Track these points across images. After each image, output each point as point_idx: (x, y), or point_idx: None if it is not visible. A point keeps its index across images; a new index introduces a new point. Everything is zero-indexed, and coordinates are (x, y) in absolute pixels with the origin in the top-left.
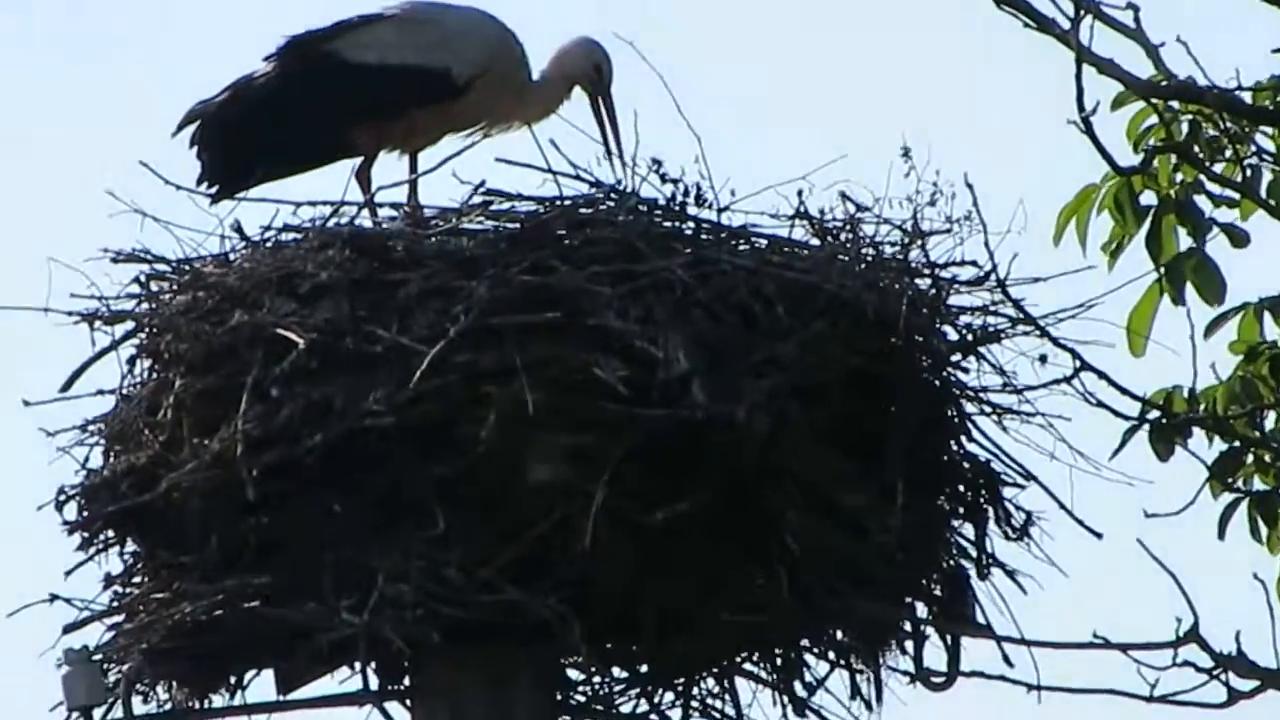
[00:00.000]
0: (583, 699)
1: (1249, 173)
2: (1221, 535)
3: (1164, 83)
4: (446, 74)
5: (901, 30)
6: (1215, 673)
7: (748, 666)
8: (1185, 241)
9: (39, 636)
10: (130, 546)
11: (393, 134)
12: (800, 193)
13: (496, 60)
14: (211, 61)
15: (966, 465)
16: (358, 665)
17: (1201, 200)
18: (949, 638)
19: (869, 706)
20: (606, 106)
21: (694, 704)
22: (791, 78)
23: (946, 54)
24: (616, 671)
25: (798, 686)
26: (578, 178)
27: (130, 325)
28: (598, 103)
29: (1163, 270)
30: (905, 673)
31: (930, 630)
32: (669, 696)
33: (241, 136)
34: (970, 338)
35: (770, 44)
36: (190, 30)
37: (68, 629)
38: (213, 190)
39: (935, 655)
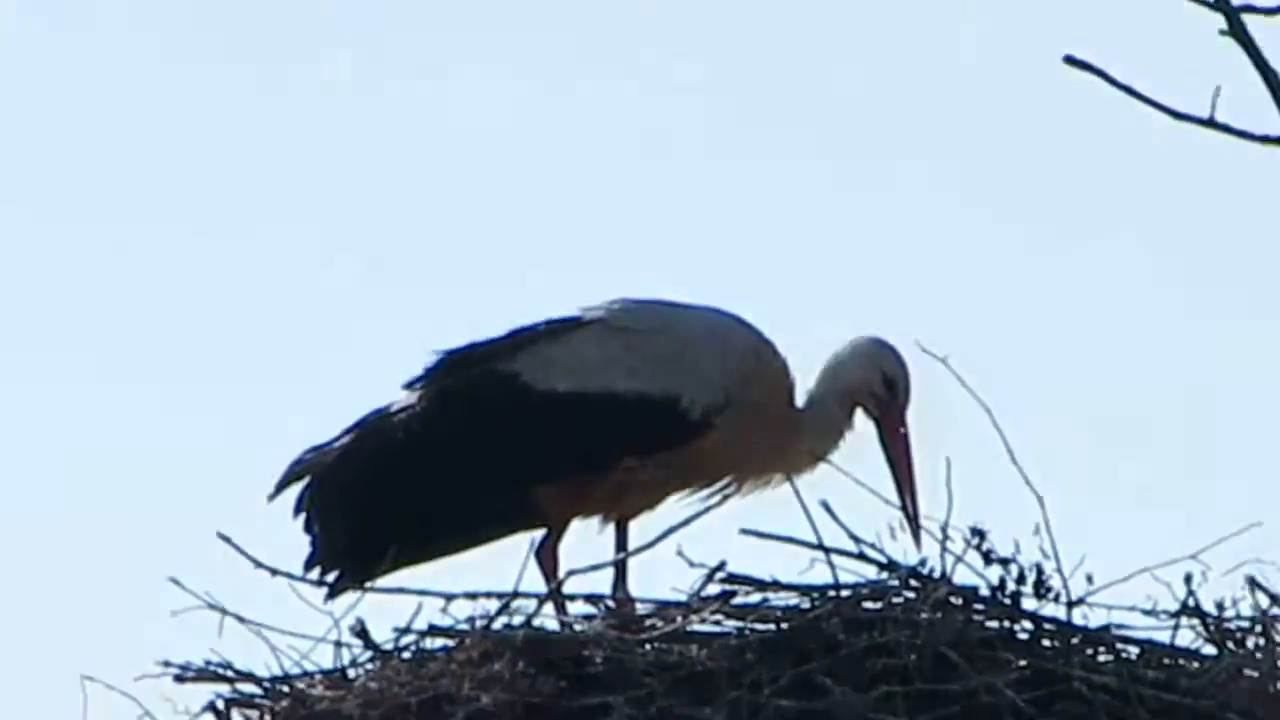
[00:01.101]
0: None
1: None
2: None
3: None
4: (674, 405)
5: None
6: None
7: None
8: None
9: None
10: None
11: (593, 495)
12: (1189, 578)
13: (748, 382)
14: (328, 385)
15: None
16: None
17: None
18: None
19: None
20: (900, 441)
21: None
22: (1167, 413)
23: None
24: None
25: None
26: (861, 556)
27: None
28: (886, 435)
29: None
30: None
31: None
32: None
33: (370, 500)
34: None
35: (1132, 358)
36: (294, 338)
37: None
38: (327, 577)
39: None
